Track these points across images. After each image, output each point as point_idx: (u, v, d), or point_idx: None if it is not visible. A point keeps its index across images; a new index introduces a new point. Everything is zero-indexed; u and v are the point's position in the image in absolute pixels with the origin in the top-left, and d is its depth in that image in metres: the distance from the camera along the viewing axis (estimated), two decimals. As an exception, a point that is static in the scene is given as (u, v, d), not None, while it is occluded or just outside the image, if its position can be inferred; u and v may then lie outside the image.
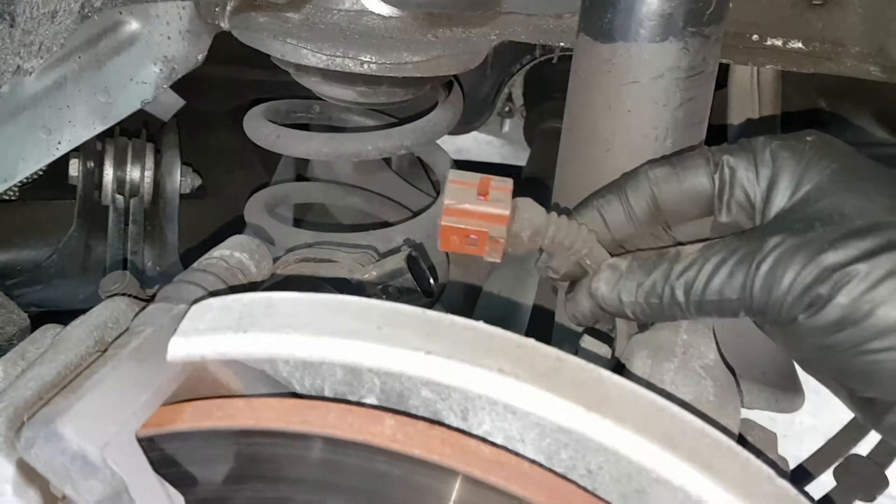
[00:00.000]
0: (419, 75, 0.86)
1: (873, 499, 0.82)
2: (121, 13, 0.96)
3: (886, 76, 0.87)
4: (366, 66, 0.83)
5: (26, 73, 0.93)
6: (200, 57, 0.98)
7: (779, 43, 0.89)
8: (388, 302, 0.49)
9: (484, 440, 0.49)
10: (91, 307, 1.34)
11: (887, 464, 0.85)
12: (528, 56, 1.38)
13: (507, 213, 0.61)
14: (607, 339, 0.66)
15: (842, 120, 1.22)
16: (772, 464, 0.49)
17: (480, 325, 0.48)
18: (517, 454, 0.49)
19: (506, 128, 2.01)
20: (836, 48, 0.87)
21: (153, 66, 0.99)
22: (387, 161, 1.29)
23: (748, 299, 0.55)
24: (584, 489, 0.48)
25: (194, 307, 0.50)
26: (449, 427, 0.49)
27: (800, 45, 0.88)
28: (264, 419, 0.49)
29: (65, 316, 1.32)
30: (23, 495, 0.48)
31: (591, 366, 0.47)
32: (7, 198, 1.34)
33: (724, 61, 0.90)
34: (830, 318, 0.52)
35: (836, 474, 0.85)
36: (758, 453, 0.55)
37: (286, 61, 0.88)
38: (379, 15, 0.87)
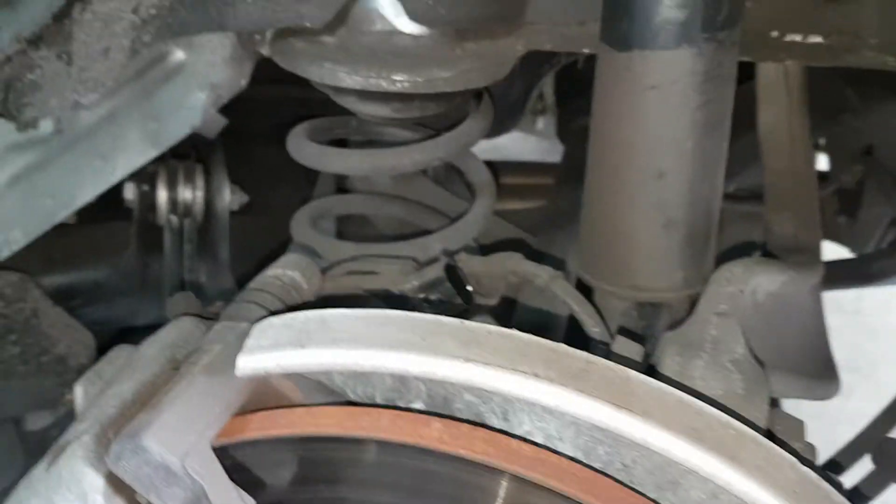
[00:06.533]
0: (449, 90, 0.90)
1: (911, 480, 0.84)
2: (167, 43, 1.02)
3: (906, 67, 0.89)
4: (398, 84, 0.88)
5: (84, 107, 0.99)
6: (244, 82, 1.03)
7: (798, 38, 0.91)
8: (429, 315, 0.54)
9: (525, 440, 0.53)
10: (152, 323, 1.41)
11: (923, 446, 0.87)
12: (556, 57, 1.41)
13: None
14: (639, 338, 0.69)
15: (869, 107, 1.23)
16: (795, 452, 0.53)
17: (515, 332, 0.53)
18: (557, 452, 0.53)
19: (539, 125, 2.04)
20: (855, 40, 0.89)
21: (200, 92, 1.04)
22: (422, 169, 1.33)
23: None
24: (621, 483, 0.52)
25: (257, 326, 0.55)
26: (491, 428, 0.54)
27: (819, 38, 0.90)
28: (323, 426, 0.53)
29: (126, 333, 1.39)
30: None
31: (619, 367, 0.51)
32: (66, 221, 1.41)
33: (745, 59, 0.93)
34: None
35: (873, 458, 0.87)
36: (783, 443, 0.58)
37: (324, 84, 0.93)
38: (409, 34, 0.91)
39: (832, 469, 0.98)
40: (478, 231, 1.10)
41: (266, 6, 0.87)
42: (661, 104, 0.76)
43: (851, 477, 1.07)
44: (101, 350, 1.19)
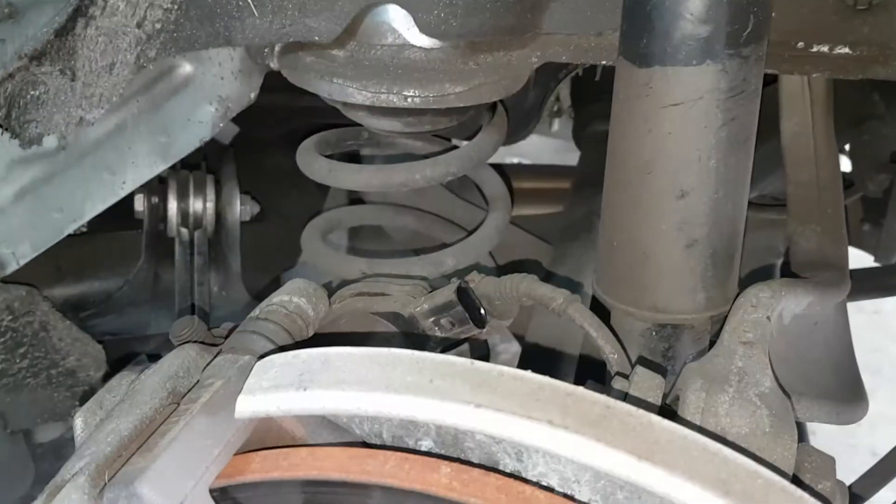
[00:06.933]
0: (462, 105, 0.87)
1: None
2: (174, 57, 1.00)
3: (939, 78, 0.85)
4: (409, 100, 0.85)
5: (88, 123, 0.97)
6: (253, 95, 1.01)
7: (825, 49, 0.87)
8: (439, 355, 0.51)
9: (539, 484, 0.50)
10: (161, 333, 1.39)
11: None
12: (571, 64, 1.38)
13: None
14: (660, 369, 0.67)
15: (895, 113, 1.19)
16: (822, 498, 0.50)
17: (528, 374, 0.50)
18: (573, 498, 0.51)
19: (555, 127, 2.01)
20: (884, 51, 0.86)
21: (208, 105, 1.02)
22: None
23: None
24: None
25: (258, 364, 0.53)
26: (503, 473, 0.51)
27: (847, 49, 0.87)
28: (326, 469, 0.51)
29: (136, 343, 1.38)
30: (107, 549, 0.52)
31: (640, 412, 0.48)
32: (76, 231, 1.40)
33: (769, 72, 0.89)
34: None
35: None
36: (812, 486, 0.55)
37: (334, 100, 0.90)
38: (421, 48, 0.89)
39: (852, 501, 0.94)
40: (492, 245, 1.08)
41: (274, 20, 0.85)
42: (683, 122, 0.73)
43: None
44: (111, 362, 1.19)
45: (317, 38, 0.85)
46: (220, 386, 0.56)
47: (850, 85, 1.20)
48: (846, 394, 0.85)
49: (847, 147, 1.37)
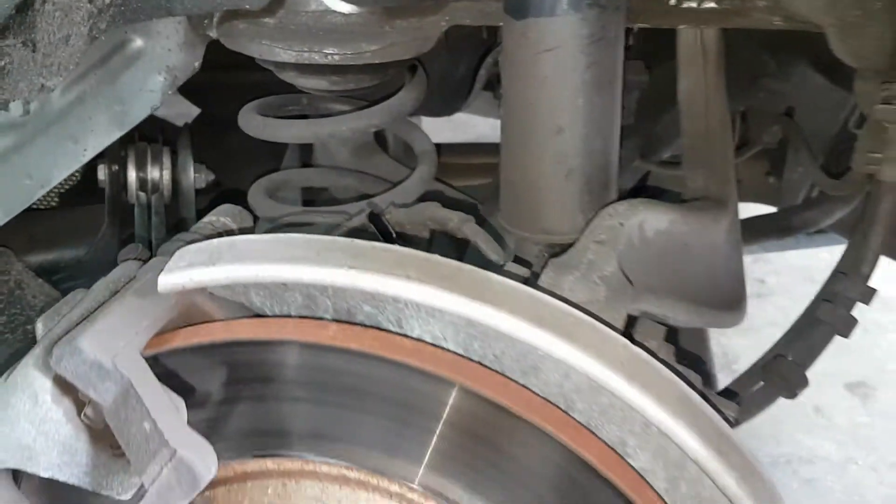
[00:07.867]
0: (377, 62, 1.00)
1: (794, 396, 0.94)
2: (126, 32, 1.12)
3: (788, 25, 0.98)
4: (329, 57, 0.98)
5: (49, 90, 1.09)
6: (197, 64, 1.13)
7: (694, 5, 1.00)
8: (327, 237, 0.63)
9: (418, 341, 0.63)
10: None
11: (808, 365, 0.96)
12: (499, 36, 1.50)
13: None
14: (528, 264, 0.79)
15: (785, 70, 1.32)
16: (639, 343, 0.62)
17: (397, 247, 0.62)
18: (441, 348, 0.63)
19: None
20: (745, 4, 0.99)
21: (158, 75, 1.14)
22: (384, 147, 1.43)
23: None
24: (488, 367, 0.62)
25: (177, 252, 0.65)
26: (387, 332, 0.63)
27: (713, 4, 1.00)
28: (237, 333, 0.63)
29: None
30: (59, 402, 0.64)
31: (485, 272, 0.61)
32: (49, 206, 1.52)
33: (644, 26, 1.02)
34: None
35: (762, 374, 0.97)
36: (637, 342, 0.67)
37: (265, 60, 1.03)
38: (341, 13, 1.01)
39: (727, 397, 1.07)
40: (417, 195, 1.20)
41: (209, -9, 0.97)
42: (554, 66, 0.86)
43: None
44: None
45: (248, 6, 0.97)
46: (151, 276, 0.68)
47: (742, 46, 1.33)
48: (717, 303, 0.98)
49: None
